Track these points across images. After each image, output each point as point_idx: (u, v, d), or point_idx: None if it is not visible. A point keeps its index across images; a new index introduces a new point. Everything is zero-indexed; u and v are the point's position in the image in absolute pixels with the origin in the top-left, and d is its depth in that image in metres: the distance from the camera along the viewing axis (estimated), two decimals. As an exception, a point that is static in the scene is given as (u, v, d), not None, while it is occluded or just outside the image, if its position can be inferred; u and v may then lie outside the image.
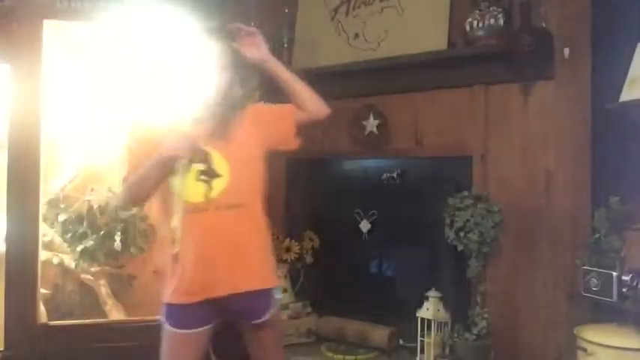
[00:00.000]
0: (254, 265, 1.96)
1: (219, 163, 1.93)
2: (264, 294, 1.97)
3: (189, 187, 1.89)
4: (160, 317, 1.97)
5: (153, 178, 1.90)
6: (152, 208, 2.04)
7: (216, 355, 3.10)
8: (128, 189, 1.97)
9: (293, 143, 2.10)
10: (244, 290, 1.92)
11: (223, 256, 1.90)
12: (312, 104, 2.07)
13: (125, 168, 2.03)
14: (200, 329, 1.96)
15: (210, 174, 1.92)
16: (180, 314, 1.93)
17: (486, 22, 2.82)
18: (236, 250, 1.92)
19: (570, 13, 2.71)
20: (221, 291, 1.90)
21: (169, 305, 1.95)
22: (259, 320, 1.98)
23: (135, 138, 2.07)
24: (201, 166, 1.92)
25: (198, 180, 1.91)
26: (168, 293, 1.94)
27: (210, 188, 1.91)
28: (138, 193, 1.96)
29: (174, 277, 1.92)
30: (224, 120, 2.01)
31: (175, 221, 1.89)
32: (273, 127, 2.07)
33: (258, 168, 2.00)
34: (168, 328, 1.95)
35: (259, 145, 2.01)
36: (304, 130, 2.13)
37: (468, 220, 2.66)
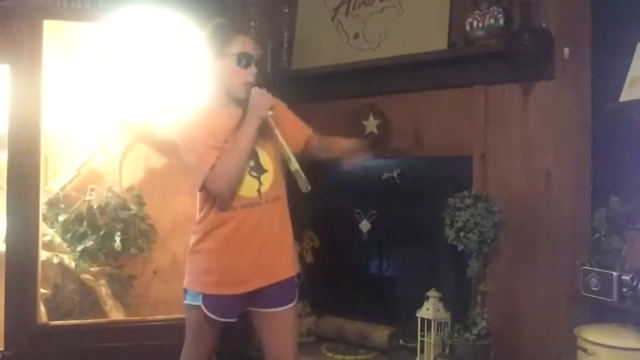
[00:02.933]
0: (289, 253, 2.11)
1: (264, 159, 2.04)
2: (293, 281, 2.10)
3: (242, 183, 1.99)
4: (187, 300, 2.07)
5: (247, 152, 1.97)
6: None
7: (216, 355, 3.10)
8: (225, 174, 1.95)
9: (299, 149, 2.16)
10: (284, 278, 2.06)
11: (268, 248, 2.03)
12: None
13: (195, 161, 1.99)
14: (232, 320, 2.05)
15: (258, 170, 2.03)
16: (218, 304, 2.02)
17: (486, 22, 2.82)
18: (278, 241, 2.06)
19: (570, 13, 2.71)
20: (265, 281, 2.02)
21: (208, 295, 2.01)
22: (288, 306, 2.07)
23: (189, 130, 2.04)
24: (251, 163, 2.02)
25: (249, 175, 2.01)
26: (210, 285, 2.01)
27: (260, 183, 2.02)
28: (236, 174, 1.98)
29: (213, 269, 2.01)
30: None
31: (217, 215, 1.99)
32: (292, 128, 2.15)
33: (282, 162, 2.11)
34: (202, 311, 2.02)
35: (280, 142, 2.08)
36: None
37: (468, 220, 2.66)
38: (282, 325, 2.09)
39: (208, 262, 2.03)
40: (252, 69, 2.01)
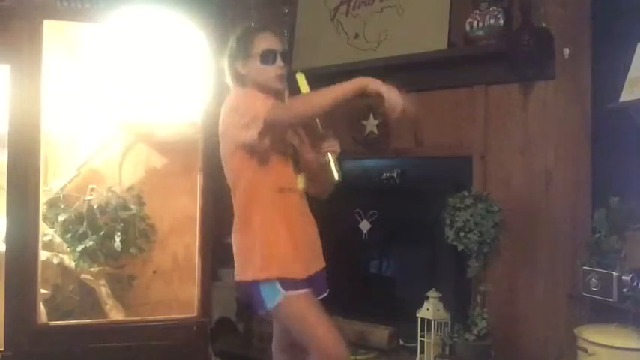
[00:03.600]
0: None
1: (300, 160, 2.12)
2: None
3: (287, 170, 2.06)
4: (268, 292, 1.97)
5: (333, 100, 2.00)
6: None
7: (216, 355, 3.11)
8: (301, 106, 1.98)
9: None
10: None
11: (314, 234, 2.14)
12: None
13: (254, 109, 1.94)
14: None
15: (296, 167, 2.10)
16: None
17: (486, 22, 2.82)
18: (315, 229, 2.15)
19: (570, 13, 2.72)
20: (318, 265, 2.12)
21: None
22: (322, 295, 2.12)
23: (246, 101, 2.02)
24: (293, 157, 2.10)
25: (291, 167, 2.08)
26: (292, 268, 1.99)
27: (297, 177, 2.09)
28: (308, 112, 1.98)
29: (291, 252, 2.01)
30: None
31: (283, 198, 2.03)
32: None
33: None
34: (295, 292, 1.95)
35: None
36: None
37: (468, 220, 2.66)
38: None
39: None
40: (279, 62, 2.04)
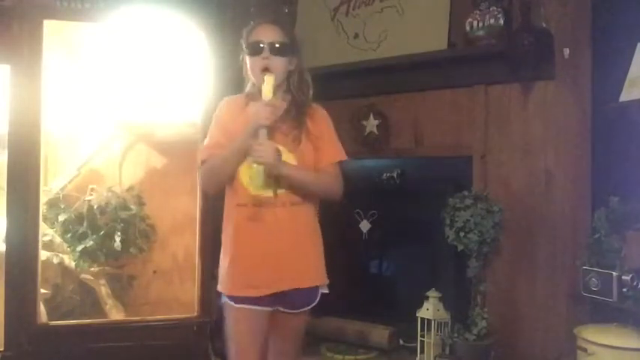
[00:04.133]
0: (314, 261, 2.02)
1: (287, 160, 1.95)
2: (314, 290, 2.01)
3: (260, 182, 1.91)
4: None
5: (232, 159, 1.93)
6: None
7: (216, 355, 3.10)
8: (206, 174, 2.00)
9: (315, 167, 2.04)
10: (301, 287, 1.97)
11: (288, 250, 1.96)
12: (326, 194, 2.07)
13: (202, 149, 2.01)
14: (259, 308, 1.96)
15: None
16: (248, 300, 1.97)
17: (486, 22, 2.82)
18: (295, 248, 1.97)
19: (570, 13, 2.72)
20: (278, 287, 1.94)
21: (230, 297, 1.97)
22: (298, 310, 2.00)
23: (212, 123, 2.04)
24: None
25: (269, 176, 1.92)
26: (229, 286, 1.97)
27: (279, 184, 1.94)
28: (215, 177, 1.99)
29: (231, 272, 1.97)
30: (295, 119, 2.00)
31: (237, 214, 1.96)
32: (325, 143, 2.03)
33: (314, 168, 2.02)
34: (230, 303, 1.96)
35: (314, 147, 2.00)
36: None
37: (468, 220, 2.66)
38: (291, 326, 2.06)
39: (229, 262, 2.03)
40: (264, 54, 1.95)
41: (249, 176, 1.91)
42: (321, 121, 2.04)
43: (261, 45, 1.96)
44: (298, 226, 1.99)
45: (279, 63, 1.97)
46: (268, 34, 1.98)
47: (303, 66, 2.07)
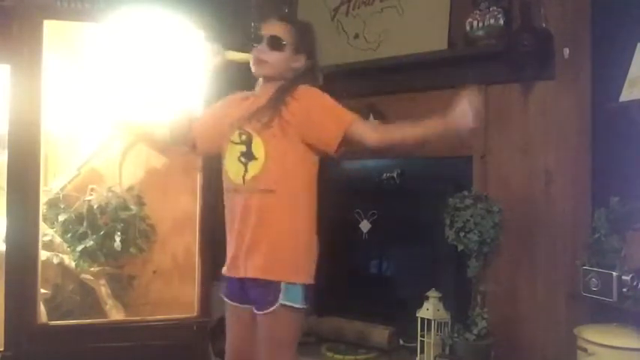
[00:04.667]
0: (272, 253, 1.93)
1: (257, 147, 1.95)
2: (273, 286, 1.91)
3: (231, 167, 1.99)
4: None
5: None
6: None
7: (216, 355, 3.10)
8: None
9: (331, 149, 1.97)
10: (253, 276, 1.93)
11: (248, 239, 1.93)
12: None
13: None
14: (240, 305, 2.02)
15: (248, 156, 1.96)
16: (228, 286, 2.06)
17: (486, 22, 2.82)
18: (259, 235, 1.93)
19: (570, 13, 2.71)
20: (241, 272, 1.96)
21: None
22: (263, 312, 1.92)
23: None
24: (242, 148, 1.97)
25: (238, 161, 1.97)
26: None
27: (246, 170, 1.95)
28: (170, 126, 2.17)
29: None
30: (271, 101, 1.99)
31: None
32: (318, 123, 1.97)
33: (297, 157, 1.97)
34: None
35: (298, 133, 1.95)
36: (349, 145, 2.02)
37: (467, 220, 2.66)
38: (260, 330, 1.96)
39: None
40: (261, 46, 2.00)
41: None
42: (307, 102, 1.99)
43: (261, 37, 2.02)
44: (267, 214, 1.93)
45: (273, 57, 2.01)
46: (270, 28, 2.04)
47: (313, 64, 2.10)
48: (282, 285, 1.90)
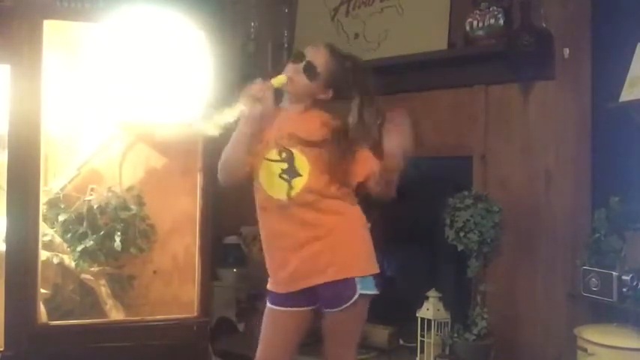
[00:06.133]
0: (342, 254, 2.05)
1: (300, 163, 1.99)
2: (350, 282, 2.01)
3: (270, 184, 2.00)
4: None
5: (235, 142, 1.99)
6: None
7: (216, 355, 3.11)
8: (221, 164, 2.03)
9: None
10: (331, 279, 1.99)
11: (310, 249, 1.98)
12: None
13: None
14: (294, 309, 2.07)
15: (291, 173, 1.99)
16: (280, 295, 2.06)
17: (486, 22, 2.82)
18: (322, 242, 2.00)
19: (570, 13, 2.71)
20: (311, 282, 2.00)
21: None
22: (340, 307, 2.01)
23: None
24: (284, 165, 1.99)
25: (280, 178, 1.99)
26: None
27: (291, 187, 1.98)
28: (225, 163, 2.02)
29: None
30: (308, 117, 2.06)
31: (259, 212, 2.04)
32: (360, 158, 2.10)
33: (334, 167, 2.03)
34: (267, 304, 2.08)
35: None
36: None
37: (468, 220, 2.66)
38: (334, 324, 2.09)
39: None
40: (297, 65, 2.02)
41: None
42: None
43: (301, 56, 2.04)
44: (322, 222, 2.01)
45: (303, 82, 2.02)
46: (312, 53, 2.04)
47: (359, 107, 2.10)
48: (357, 278, 2.01)
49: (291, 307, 2.06)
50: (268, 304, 2.09)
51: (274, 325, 2.08)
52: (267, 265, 2.07)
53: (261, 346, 2.09)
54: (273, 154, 2.01)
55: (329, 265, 1.98)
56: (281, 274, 2.02)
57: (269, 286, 2.08)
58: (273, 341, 2.09)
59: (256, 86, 1.95)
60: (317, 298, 2.03)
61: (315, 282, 1.98)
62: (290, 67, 2.04)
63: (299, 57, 2.04)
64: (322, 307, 2.04)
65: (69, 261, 2.98)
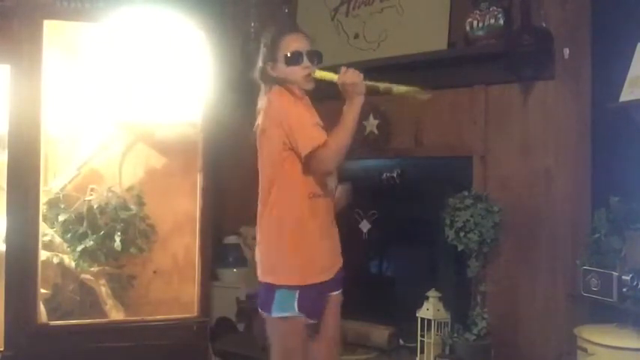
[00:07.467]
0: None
1: None
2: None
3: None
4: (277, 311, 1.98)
5: (354, 132, 2.00)
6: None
7: (216, 355, 3.11)
8: (336, 153, 1.98)
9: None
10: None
11: (335, 238, 2.17)
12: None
13: (305, 137, 1.96)
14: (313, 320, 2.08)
15: None
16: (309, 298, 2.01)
17: (486, 22, 2.82)
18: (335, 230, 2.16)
19: (570, 13, 2.71)
20: (335, 269, 2.17)
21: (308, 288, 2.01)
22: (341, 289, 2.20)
23: (293, 113, 2.00)
24: None
25: None
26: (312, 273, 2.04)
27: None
28: (343, 155, 2.02)
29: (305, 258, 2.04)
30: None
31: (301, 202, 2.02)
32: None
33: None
34: (297, 319, 1.99)
35: None
36: None
37: (468, 220, 2.67)
38: (335, 307, 2.20)
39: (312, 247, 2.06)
40: (305, 62, 2.05)
41: None
42: None
43: (301, 55, 2.05)
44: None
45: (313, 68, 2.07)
46: (301, 44, 2.08)
47: None
48: None
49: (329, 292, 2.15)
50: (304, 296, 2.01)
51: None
52: (309, 257, 2.04)
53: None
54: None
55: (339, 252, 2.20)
56: (325, 262, 2.11)
57: (307, 280, 2.02)
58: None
59: (353, 74, 2.01)
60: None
61: (336, 270, 2.16)
62: (299, 71, 2.04)
63: (298, 59, 2.05)
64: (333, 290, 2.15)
65: (69, 261, 2.98)
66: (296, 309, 1.96)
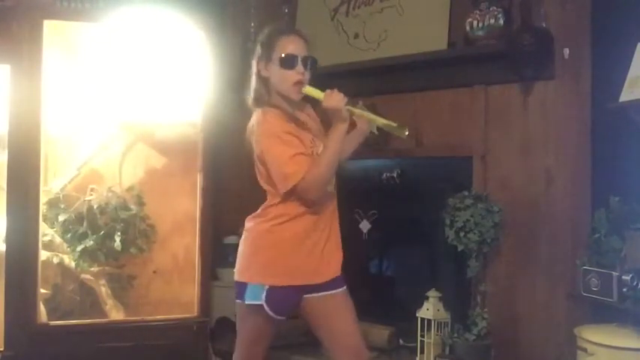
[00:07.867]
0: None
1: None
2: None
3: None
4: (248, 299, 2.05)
5: (336, 159, 2.00)
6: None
7: (216, 355, 3.11)
8: (316, 184, 1.97)
9: None
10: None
11: (334, 239, 2.19)
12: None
13: (283, 171, 1.96)
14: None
15: None
16: (284, 298, 2.06)
17: (486, 22, 2.81)
18: (337, 232, 2.20)
19: (570, 13, 2.71)
20: (331, 273, 2.21)
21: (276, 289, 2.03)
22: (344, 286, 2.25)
23: (276, 137, 1.97)
24: None
25: None
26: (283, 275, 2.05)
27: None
28: (326, 183, 2.03)
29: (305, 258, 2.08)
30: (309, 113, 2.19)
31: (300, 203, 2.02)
32: None
33: None
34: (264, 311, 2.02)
35: None
36: None
37: (468, 220, 2.66)
38: (345, 303, 2.23)
39: (293, 250, 2.06)
40: (299, 68, 2.00)
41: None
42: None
43: (296, 59, 2.00)
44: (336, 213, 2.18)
45: (308, 77, 2.04)
46: (299, 48, 2.03)
47: None
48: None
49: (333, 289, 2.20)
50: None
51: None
52: (302, 261, 2.07)
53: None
54: (321, 149, 2.04)
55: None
56: (325, 266, 2.14)
57: (309, 281, 2.10)
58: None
59: (337, 96, 1.97)
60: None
61: (333, 274, 2.22)
62: (291, 76, 2.01)
63: (293, 63, 2.00)
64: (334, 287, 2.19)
65: (69, 261, 2.99)
66: (263, 300, 2.01)
